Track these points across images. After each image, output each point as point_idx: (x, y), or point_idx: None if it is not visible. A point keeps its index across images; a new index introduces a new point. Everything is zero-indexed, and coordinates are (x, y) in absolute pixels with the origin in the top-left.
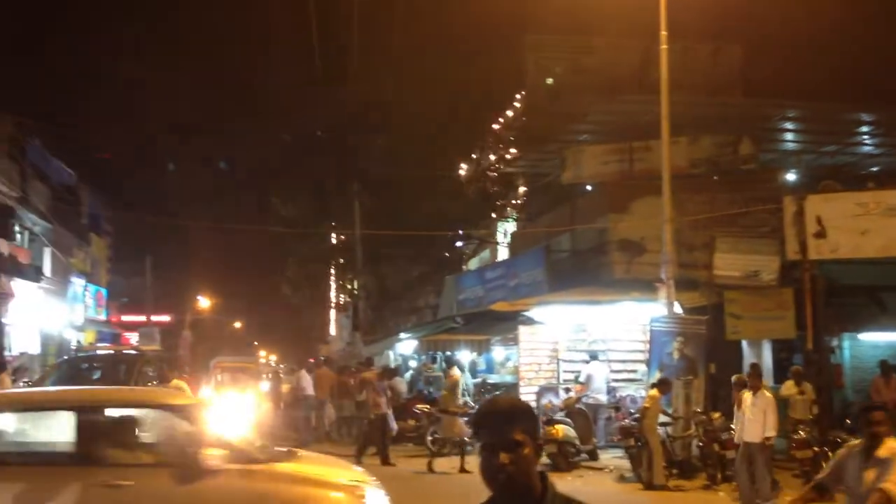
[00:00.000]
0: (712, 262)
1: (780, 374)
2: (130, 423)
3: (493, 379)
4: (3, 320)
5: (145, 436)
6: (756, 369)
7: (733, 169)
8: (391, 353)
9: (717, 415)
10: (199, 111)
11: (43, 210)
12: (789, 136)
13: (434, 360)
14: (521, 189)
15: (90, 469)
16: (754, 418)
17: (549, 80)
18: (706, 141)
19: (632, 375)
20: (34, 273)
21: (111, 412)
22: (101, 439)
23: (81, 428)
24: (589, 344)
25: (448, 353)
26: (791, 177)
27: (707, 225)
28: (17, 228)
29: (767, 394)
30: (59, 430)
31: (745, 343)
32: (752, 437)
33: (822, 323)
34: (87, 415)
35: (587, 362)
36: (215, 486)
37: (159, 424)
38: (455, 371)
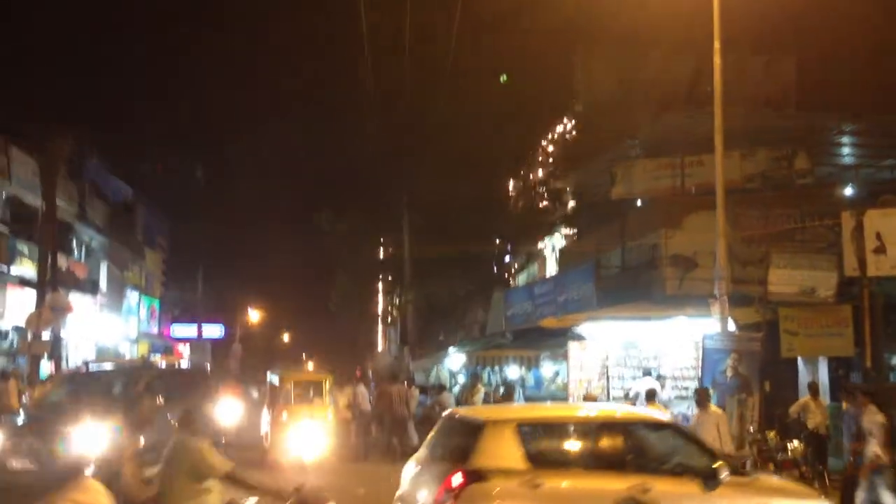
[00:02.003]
0: (767, 278)
1: (838, 392)
2: (642, 436)
3: (541, 395)
4: (61, 334)
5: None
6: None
7: (788, 183)
8: (440, 368)
9: (772, 434)
10: (252, 126)
11: (100, 225)
12: (846, 149)
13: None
14: (570, 204)
15: (624, 474)
16: None
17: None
18: (760, 155)
19: (683, 393)
20: (91, 287)
21: (629, 427)
22: (625, 449)
23: (607, 440)
24: (640, 360)
25: (478, 367)
26: (848, 191)
27: (762, 240)
28: (74, 244)
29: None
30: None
31: (800, 360)
32: None
33: (881, 340)
34: (611, 429)
35: (639, 378)
36: (722, 495)
37: (653, 438)
38: (479, 386)
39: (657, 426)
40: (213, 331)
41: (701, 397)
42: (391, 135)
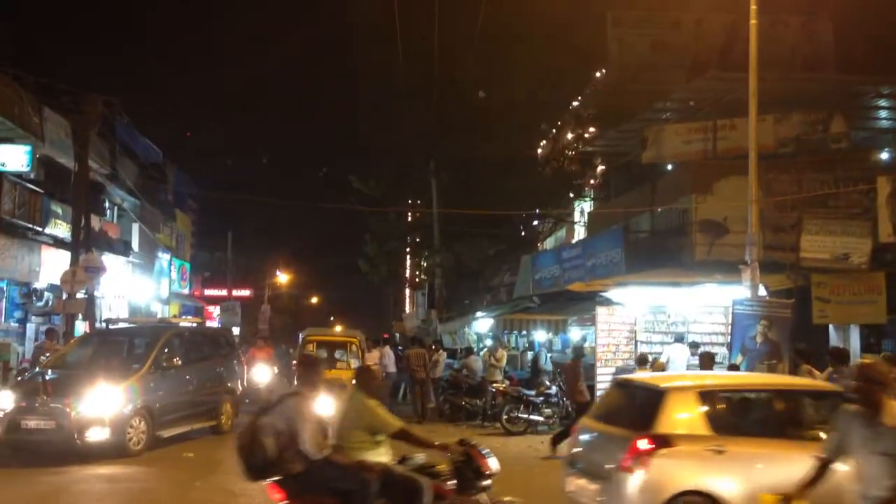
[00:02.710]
0: (800, 244)
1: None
2: (813, 403)
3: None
4: (95, 293)
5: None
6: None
7: (823, 148)
8: (468, 331)
9: None
10: (282, 86)
11: (131, 186)
12: (883, 113)
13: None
14: (600, 168)
15: (802, 442)
16: None
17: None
18: (795, 119)
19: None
20: (123, 248)
21: (803, 394)
22: (800, 417)
23: (783, 407)
24: (668, 326)
25: (505, 331)
26: (884, 156)
27: (795, 206)
28: (107, 204)
29: None
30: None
31: (831, 328)
32: None
33: None
34: (787, 396)
35: (670, 344)
36: None
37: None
38: (501, 350)
39: (827, 394)
40: (243, 292)
41: (703, 363)
42: (421, 97)
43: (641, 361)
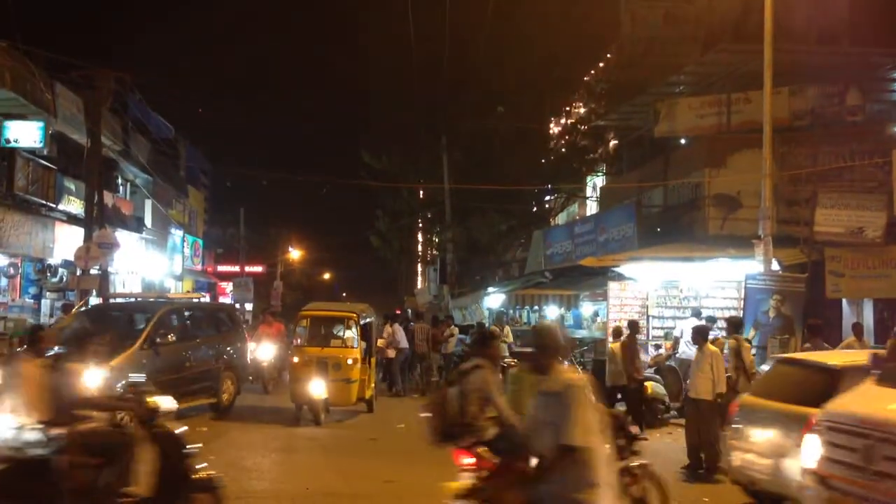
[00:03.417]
0: (814, 218)
1: (883, 334)
2: None
3: (580, 334)
4: (109, 269)
5: None
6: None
7: (838, 121)
8: (479, 307)
9: None
10: (293, 61)
11: (144, 163)
12: None
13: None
14: (612, 143)
15: None
16: None
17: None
18: (810, 91)
19: (724, 333)
20: (136, 224)
21: None
22: None
23: None
24: (680, 301)
25: (516, 307)
26: None
27: (809, 179)
28: (119, 181)
29: None
30: None
31: (845, 302)
32: None
33: None
34: None
35: (684, 318)
36: None
37: None
38: (507, 329)
39: None
40: (255, 268)
41: (697, 336)
42: (433, 72)
43: (616, 334)
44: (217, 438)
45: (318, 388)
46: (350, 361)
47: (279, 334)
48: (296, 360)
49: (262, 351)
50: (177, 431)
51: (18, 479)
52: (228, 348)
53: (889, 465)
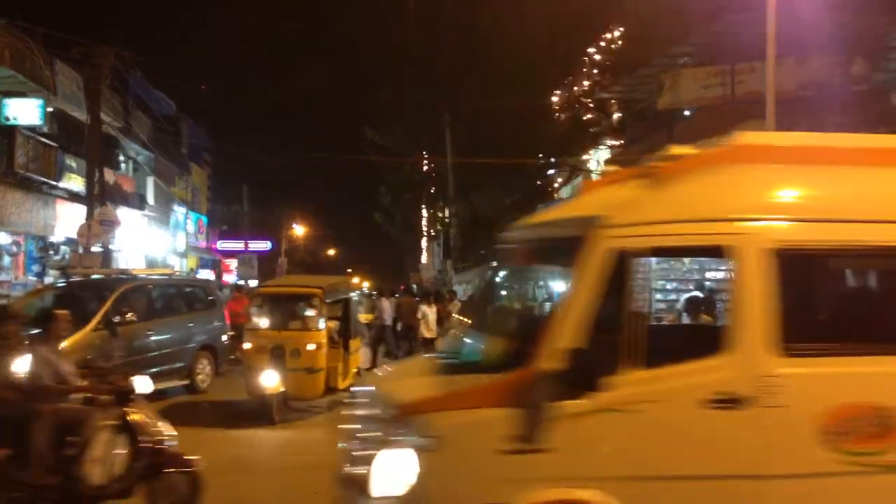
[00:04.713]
0: None
1: None
2: None
3: None
4: (111, 246)
5: None
6: None
7: (844, 91)
8: (482, 282)
9: None
10: (294, 40)
11: (145, 140)
12: None
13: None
14: (616, 116)
15: None
16: None
17: None
18: (815, 61)
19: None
20: (138, 201)
21: None
22: None
23: None
24: (683, 274)
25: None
26: None
27: None
28: (121, 158)
29: None
30: None
31: None
32: None
33: None
34: None
35: (684, 292)
36: None
37: None
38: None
39: None
40: (260, 245)
41: (689, 308)
42: (435, 45)
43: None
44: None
45: (271, 379)
46: (312, 347)
47: (245, 310)
48: (247, 345)
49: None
50: (147, 412)
51: None
52: (204, 326)
53: None
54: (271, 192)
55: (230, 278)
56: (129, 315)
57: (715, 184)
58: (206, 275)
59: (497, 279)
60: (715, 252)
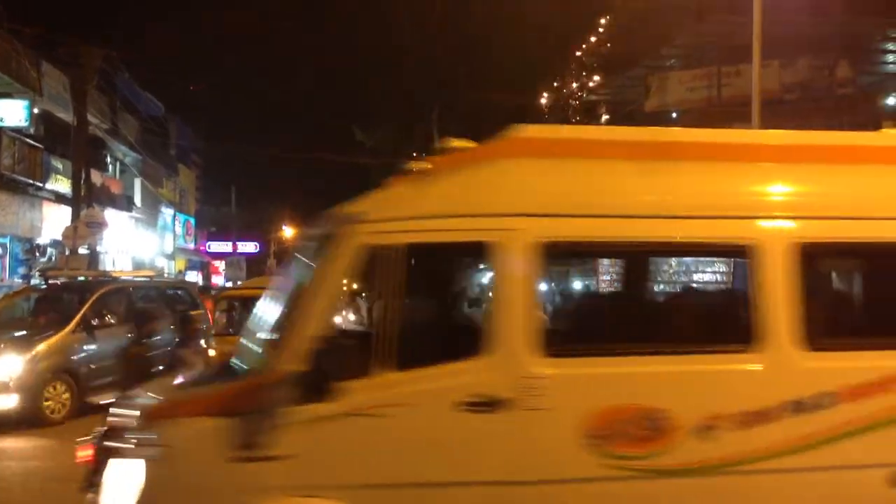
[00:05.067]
0: None
1: None
2: None
3: None
4: (98, 248)
5: None
6: None
7: (829, 94)
8: None
9: None
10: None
11: (133, 142)
12: (891, 57)
13: None
14: (604, 118)
15: None
16: None
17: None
18: (801, 64)
19: None
20: (126, 203)
21: None
22: None
23: None
24: (671, 276)
25: None
26: (891, 101)
27: None
28: (108, 160)
29: None
30: None
31: None
32: None
33: None
34: None
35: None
36: None
37: None
38: None
39: None
40: (248, 246)
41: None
42: (424, 47)
43: None
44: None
45: None
46: None
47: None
48: (212, 353)
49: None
50: None
51: None
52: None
53: None
54: (260, 193)
55: (219, 280)
56: (108, 318)
57: (484, 178)
58: (194, 277)
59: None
60: (476, 249)
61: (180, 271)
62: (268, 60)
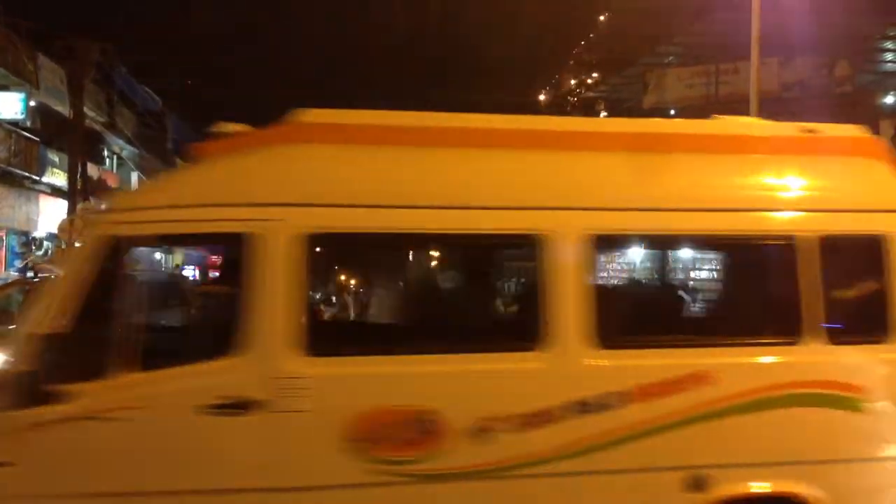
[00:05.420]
0: None
1: None
2: None
3: None
4: None
5: None
6: None
7: (827, 92)
8: None
9: None
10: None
11: (129, 135)
12: (889, 56)
13: None
14: (602, 115)
15: None
16: None
17: None
18: (799, 62)
19: None
20: None
21: None
22: None
23: None
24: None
25: None
26: (889, 99)
27: None
28: (105, 153)
29: None
30: None
31: None
32: None
33: None
34: None
35: None
36: None
37: None
38: None
39: None
40: None
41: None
42: (419, 43)
43: None
44: None
45: None
46: None
47: None
48: None
49: None
50: None
51: None
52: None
53: None
54: None
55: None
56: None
57: (252, 165)
58: (191, 271)
59: None
60: (234, 240)
61: (177, 266)
62: (265, 55)
